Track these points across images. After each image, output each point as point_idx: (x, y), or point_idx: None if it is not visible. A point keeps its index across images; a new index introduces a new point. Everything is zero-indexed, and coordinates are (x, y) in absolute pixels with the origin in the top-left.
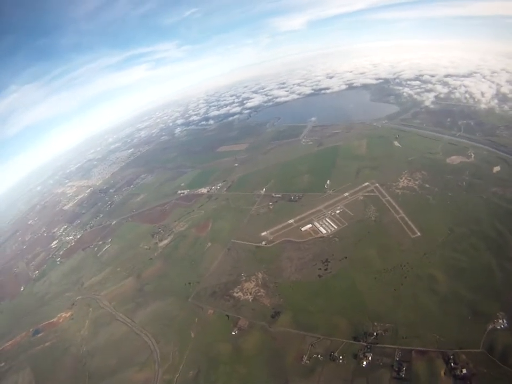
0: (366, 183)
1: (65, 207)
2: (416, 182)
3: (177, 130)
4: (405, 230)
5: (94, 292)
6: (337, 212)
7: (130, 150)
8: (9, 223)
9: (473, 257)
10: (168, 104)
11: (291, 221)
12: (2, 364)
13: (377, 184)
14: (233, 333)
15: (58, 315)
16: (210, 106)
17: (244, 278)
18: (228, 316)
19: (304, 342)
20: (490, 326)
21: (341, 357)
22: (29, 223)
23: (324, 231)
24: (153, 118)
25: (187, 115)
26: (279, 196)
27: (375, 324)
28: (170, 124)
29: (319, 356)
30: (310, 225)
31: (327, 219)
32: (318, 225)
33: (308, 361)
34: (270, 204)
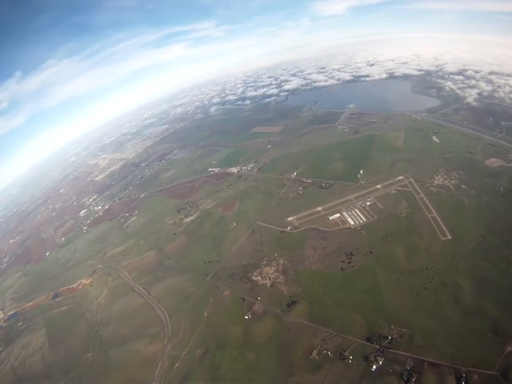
0: (400, 177)
1: (97, 178)
2: (452, 182)
3: (213, 108)
4: (436, 231)
5: (116, 261)
6: (368, 203)
7: (165, 126)
8: (42, 191)
9: (504, 270)
10: (205, 83)
11: (319, 208)
12: (20, 323)
13: (411, 179)
14: (246, 317)
15: (79, 281)
16: (247, 87)
17: (265, 262)
18: (243, 298)
19: (316, 336)
20: (509, 349)
21: (351, 357)
22: (61, 191)
23: (352, 222)
24: (190, 96)
25: (223, 94)
26: (310, 181)
27: (392, 327)
28: (206, 102)
29: (329, 352)
30: (338, 215)
31: (356, 210)
32: (346, 215)
33: (316, 356)
34: (300, 188)
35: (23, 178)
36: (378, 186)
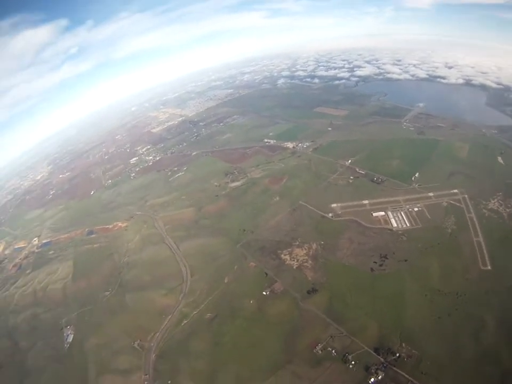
0: (455, 190)
1: (153, 130)
2: (507, 210)
3: (281, 81)
4: (477, 257)
5: (154, 211)
6: (416, 209)
7: (230, 91)
8: (99, 134)
9: None
10: (277, 55)
11: (365, 201)
12: (51, 252)
13: (466, 195)
14: (264, 293)
15: (115, 223)
16: (319, 66)
17: (298, 243)
18: (266, 274)
19: (326, 331)
20: None
21: (353, 362)
22: (117, 137)
23: (395, 224)
24: (260, 65)
25: (294, 69)
26: (363, 172)
27: (403, 344)
28: (275, 74)
29: (333, 351)
30: (382, 213)
31: (402, 213)
32: (390, 215)
33: (320, 351)
34: (351, 177)
35: (82, 121)
36: (431, 194)
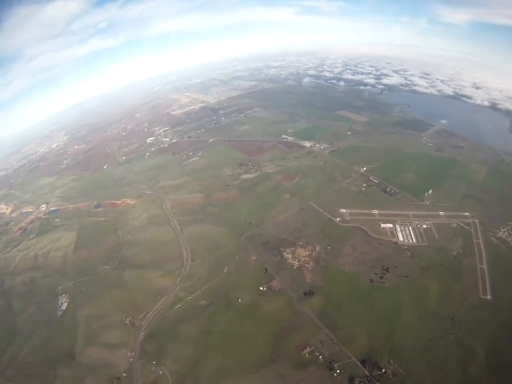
0: (466, 213)
1: (173, 112)
2: None
3: (306, 79)
4: (478, 284)
5: (164, 193)
6: (424, 226)
7: (254, 83)
8: (119, 110)
9: None
10: (305, 53)
11: (375, 211)
12: (57, 220)
13: (476, 220)
14: (261, 288)
15: (124, 200)
16: (346, 69)
17: (301, 243)
18: (266, 270)
19: (316, 335)
20: None
21: (338, 371)
22: (136, 115)
23: (401, 238)
24: (286, 61)
25: (320, 69)
26: (376, 181)
27: (391, 361)
28: (301, 72)
29: (320, 356)
30: (390, 225)
31: (410, 228)
32: (398, 229)
33: (307, 355)
34: (364, 185)
35: (104, 96)
36: (441, 213)
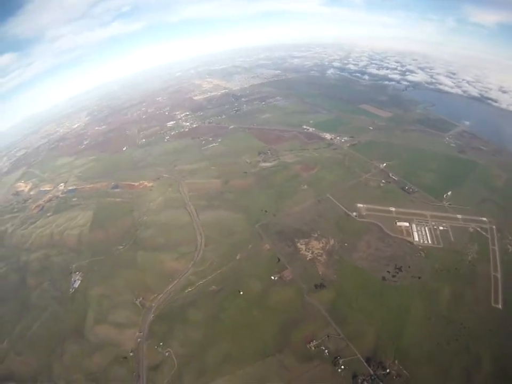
0: (484, 218)
1: (195, 98)
2: None
3: (330, 71)
4: (490, 293)
5: (181, 176)
6: (440, 228)
7: (277, 72)
8: (140, 94)
9: None
10: (331, 44)
11: (392, 208)
12: (75, 199)
13: (494, 226)
14: (272, 277)
15: (141, 181)
16: (371, 63)
17: (316, 235)
18: (279, 259)
19: (323, 329)
20: None
21: (342, 367)
22: (157, 99)
23: (416, 238)
24: (311, 52)
25: (345, 61)
26: (395, 178)
27: (396, 361)
28: (326, 63)
29: (326, 351)
30: (406, 224)
31: (426, 228)
32: (414, 228)
33: (313, 348)
34: (383, 181)
35: (126, 79)
36: (459, 216)
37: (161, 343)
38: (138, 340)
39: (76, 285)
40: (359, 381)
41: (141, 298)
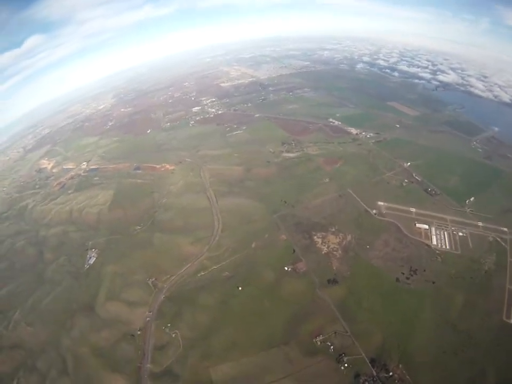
0: (505, 229)
1: (223, 84)
2: None
3: (359, 66)
4: (503, 306)
5: (204, 162)
6: (460, 233)
7: (306, 63)
8: (168, 78)
9: None
10: (361, 39)
11: (413, 209)
12: (96, 178)
13: None
14: (286, 268)
15: (163, 164)
16: (401, 60)
17: (333, 230)
18: (294, 250)
19: (332, 325)
20: None
21: (345, 365)
22: (185, 84)
23: (434, 242)
24: (342, 45)
25: (375, 57)
26: (419, 179)
27: (400, 365)
28: (356, 57)
29: (332, 347)
30: (426, 227)
31: (445, 232)
32: (433, 231)
33: (319, 343)
34: (406, 180)
35: (155, 63)
36: (480, 223)
37: (169, 324)
38: (147, 319)
39: (91, 261)
40: (361, 381)
41: (154, 279)
